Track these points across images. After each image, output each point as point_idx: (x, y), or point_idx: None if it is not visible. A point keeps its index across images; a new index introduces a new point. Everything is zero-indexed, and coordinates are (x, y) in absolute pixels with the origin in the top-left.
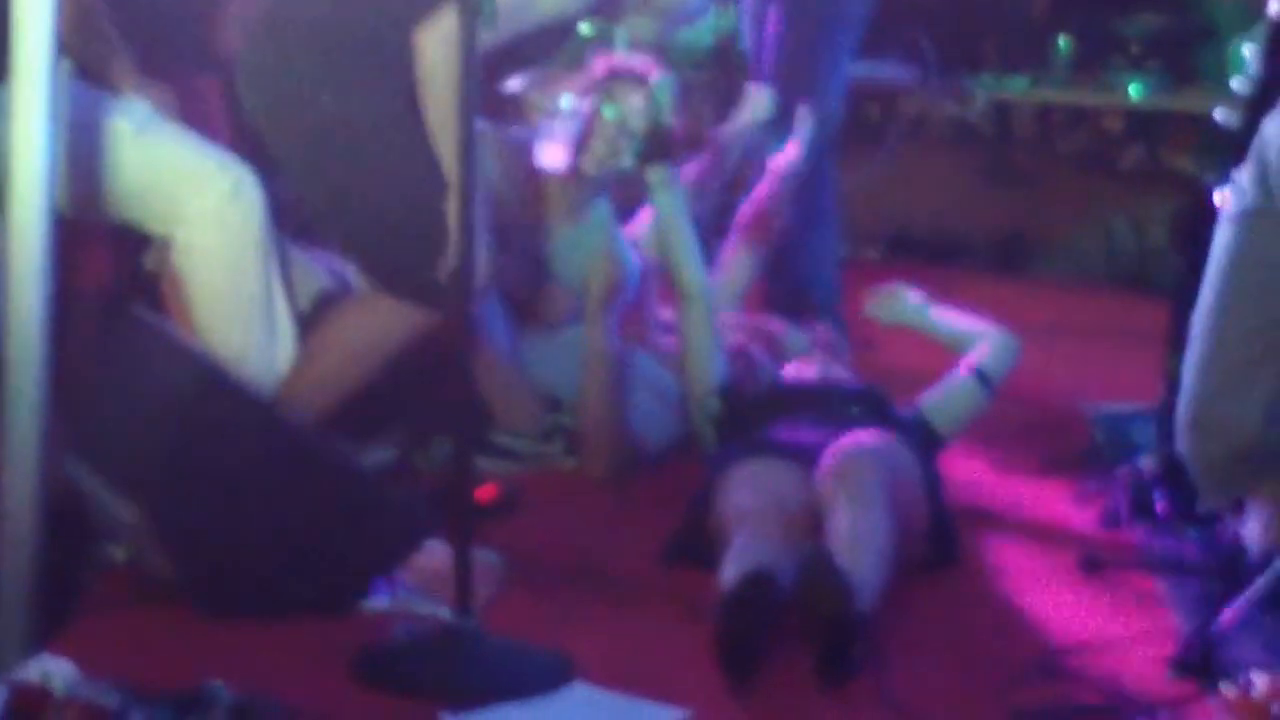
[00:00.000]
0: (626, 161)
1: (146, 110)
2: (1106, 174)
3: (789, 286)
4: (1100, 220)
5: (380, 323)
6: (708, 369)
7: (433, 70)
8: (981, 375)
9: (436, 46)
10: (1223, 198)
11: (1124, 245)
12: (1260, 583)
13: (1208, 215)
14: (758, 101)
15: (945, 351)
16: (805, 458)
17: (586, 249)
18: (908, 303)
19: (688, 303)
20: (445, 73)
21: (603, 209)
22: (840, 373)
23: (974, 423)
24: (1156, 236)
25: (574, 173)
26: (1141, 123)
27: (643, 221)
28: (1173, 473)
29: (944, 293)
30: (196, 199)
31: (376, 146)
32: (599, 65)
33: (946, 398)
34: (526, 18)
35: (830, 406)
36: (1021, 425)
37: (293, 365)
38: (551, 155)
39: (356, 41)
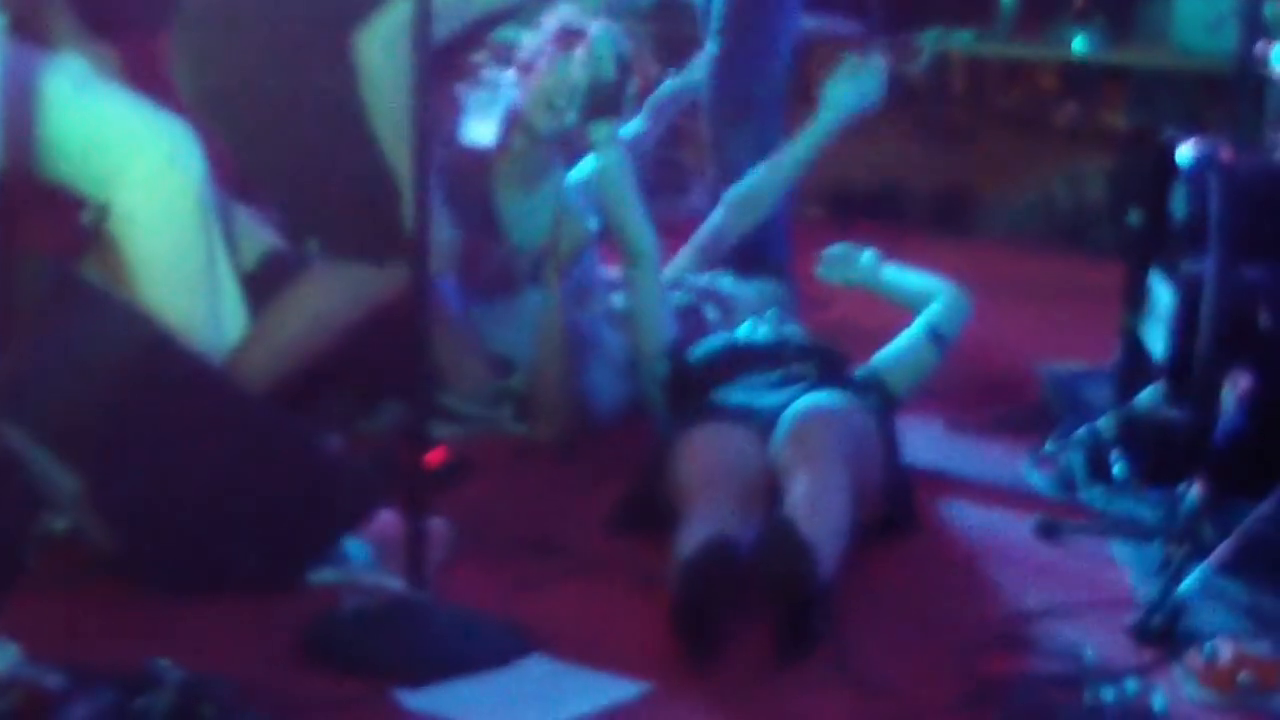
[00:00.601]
0: (571, 119)
1: (84, 69)
2: (1042, 131)
3: (740, 245)
4: (1037, 177)
5: (343, 292)
6: (656, 331)
7: (373, 78)
8: (934, 333)
9: (375, 53)
10: (1184, 153)
11: (1062, 203)
12: (1222, 548)
13: (1169, 172)
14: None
15: (895, 309)
16: (762, 422)
17: (541, 216)
18: (859, 264)
19: (634, 263)
20: (387, 79)
21: (558, 175)
22: (794, 332)
23: (928, 380)
24: (1094, 194)
25: (505, 149)
26: (1076, 80)
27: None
28: (1131, 435)
29: (886, 251)
30: (135, 162)
31: (325, 124)
32: (548, 24)
33: (900, 357)
34: (468, 12)
35: (785, 367)
36: (971, 384)
37: (249, 335)
38: (480, 131)
39: (300, 22)
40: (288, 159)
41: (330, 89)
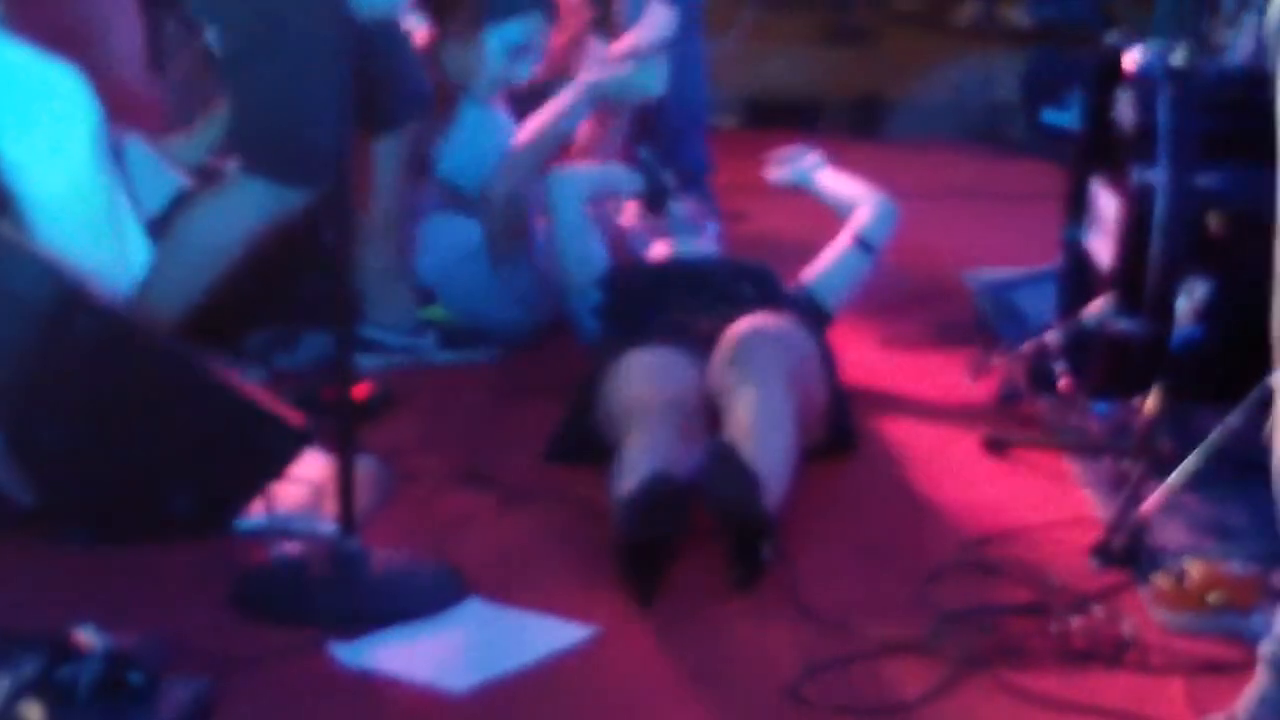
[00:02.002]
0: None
1: None
2: (945, 31)
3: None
4: (945, 79)
5: (234, 214)
6: (586, 261)
7: None
8: (863, 243)
9: None
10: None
11: (972, 103)
12: (1185, 465)
13: (1113, 78)
14: (659, 19)
15: (815, 220)
16: (699, 344)
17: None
18: (803, 166)
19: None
20: None
21: (474, 111)
22: (720, 249)
23: (859, 292)
24: (1004, 93)
25: None
26: None
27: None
28: (1081, 347)
29: None
30: (29, 109)
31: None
32: None
33: (830, 270)
34: None
35: (720, 286)
36: (899, 295)
37: (151, 270)
38: None
39: None
40: (240, 69)
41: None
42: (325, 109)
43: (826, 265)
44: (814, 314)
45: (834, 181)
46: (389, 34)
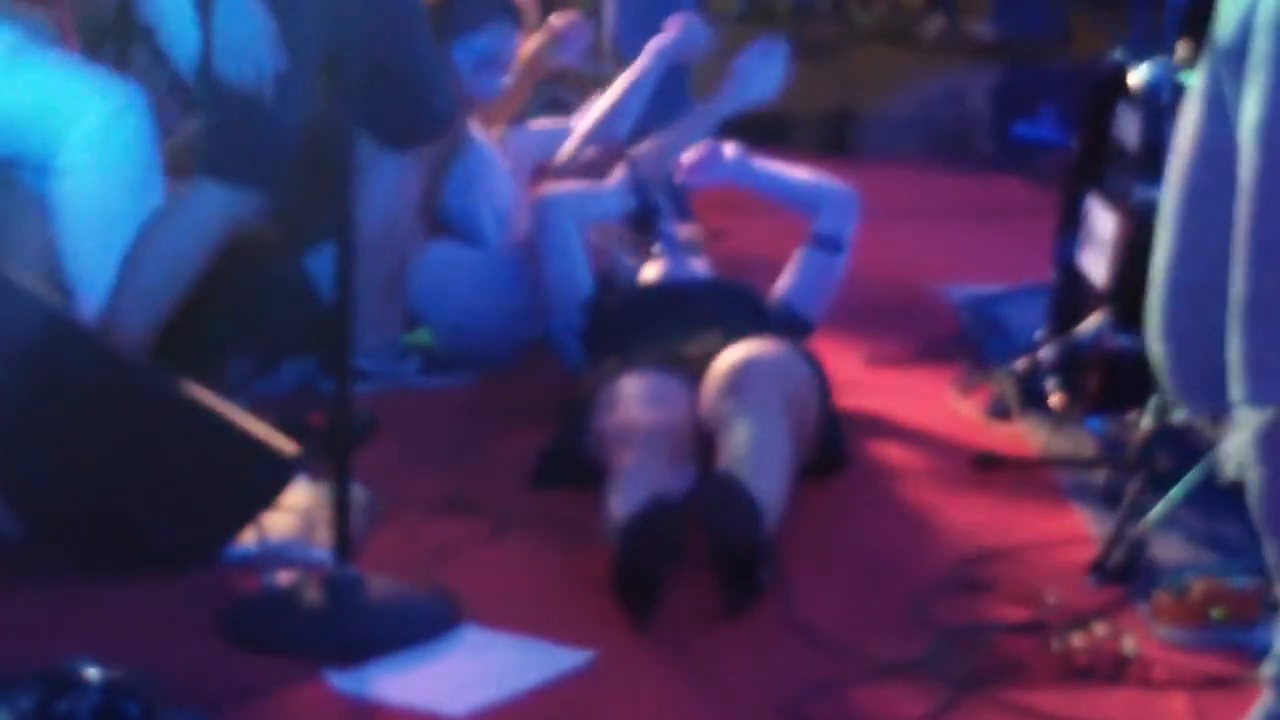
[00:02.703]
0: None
1: (18, 36)
2: (911, 45)
3: None
4: (914, 93)
5: (190, 221)
6: (571, 283)
7: None
8: (829, 241)
9: None
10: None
11: (941, 116)
12: (1185, 480)
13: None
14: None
15: (796, 236)
16: (689, 370)
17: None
18: (726, 160)
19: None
20: None
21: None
22: (706, 269)
23: (836, 297)
24: (973, 106)
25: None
26: None
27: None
28: (1076, 363)
29: None
30: (80, 120)
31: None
32: None
33: (801, 278)
34: None
35: (709, 310)
36: (881, 313)
37: (115, 285)
38: None
39: None
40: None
41: None
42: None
43: (797, 273)
44: (795, 327)
45: (774, 171)
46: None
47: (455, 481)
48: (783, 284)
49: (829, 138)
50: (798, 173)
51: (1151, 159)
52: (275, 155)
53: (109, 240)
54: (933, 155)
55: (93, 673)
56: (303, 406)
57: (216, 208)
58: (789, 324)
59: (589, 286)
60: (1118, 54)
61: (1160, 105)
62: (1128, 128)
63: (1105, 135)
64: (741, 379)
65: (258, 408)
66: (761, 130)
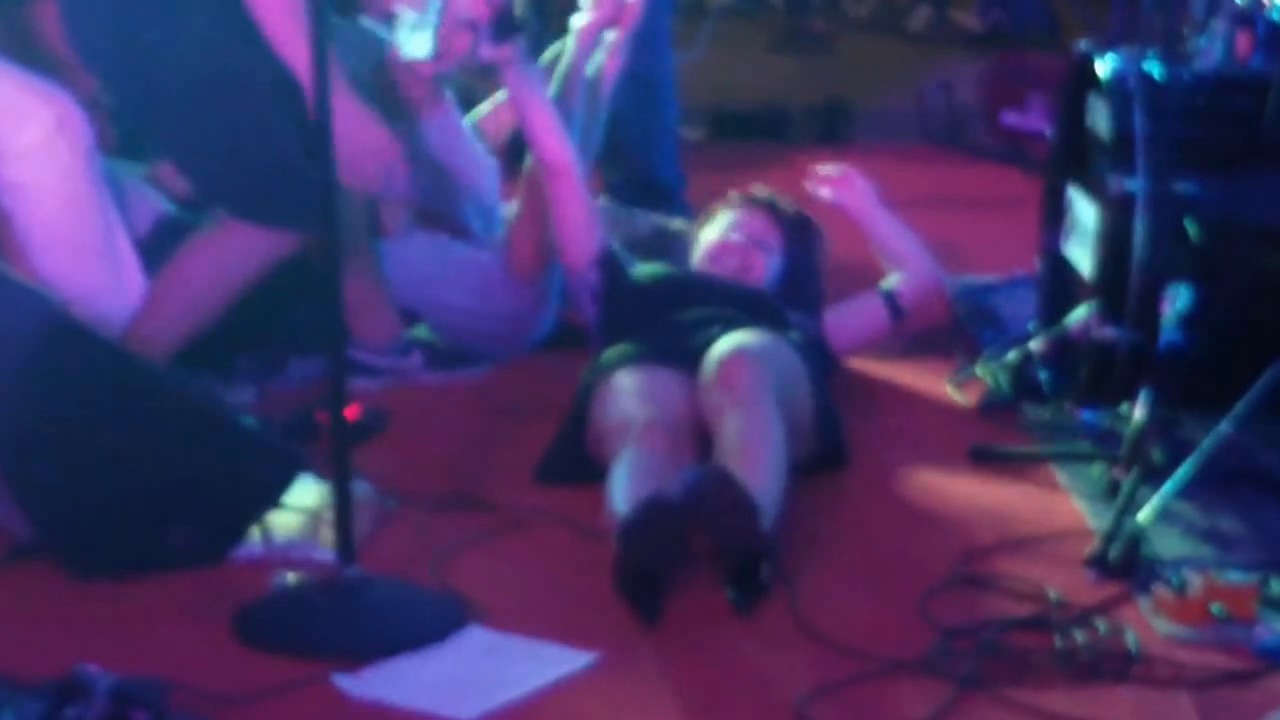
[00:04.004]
0: (484, 52)
1: None
2: (901, 36)
3: (628, 175)
4: (906, 83)
5: (236, 254)
6: (583, 240)
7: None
8: (894, 304)
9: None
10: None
11: (933, 106)
12: (1181, 472)
13: (1086, 85)
14: None
15: None
16: (688, 362)
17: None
18: (867, 194)
19: (555, 177)
20: None
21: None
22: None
23: (835, 298)
24: (963, 95)
25: (440, 61)
26: None
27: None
28: (1066, 355)
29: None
30: (21, 133)
31: (209, 80)
32: None
33: (852, 318)
34: None
35: (715, 301)
36: None
37: (147, 301)
38: (416, 45)
39: None
40: (180, 122)
41: (212, 41)
42: (293, 147)
43: (850, 309)
44: (820, 352)
45: (889, 227)
46: None
47: (461, 479)
48: (833, 313)
49: (824, 128)
50: (902, 236)
51: (1124, 149)
52: (312, 190)
53: (72, 249)
54: (926, 145)
55: (101, 679)
56: (311, 403)
57: (259, 247)
58: (815, 348)
59: (601, 244)
60: (1083, 44)
61: (1128, 95)
62: (1098, 118)
63: (1081, 126)
64: (730, 370)
65: (266, 402)
66: (755, 122)
